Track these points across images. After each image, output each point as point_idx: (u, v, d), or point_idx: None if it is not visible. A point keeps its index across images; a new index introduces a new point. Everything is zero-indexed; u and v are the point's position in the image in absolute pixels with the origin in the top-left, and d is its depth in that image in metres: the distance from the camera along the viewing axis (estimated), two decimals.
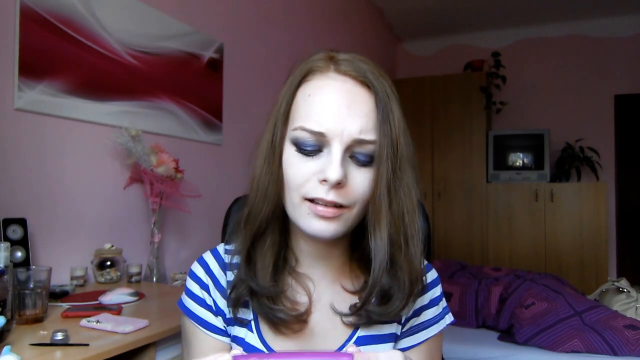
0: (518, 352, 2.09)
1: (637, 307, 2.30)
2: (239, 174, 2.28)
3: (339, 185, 0.55)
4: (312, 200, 0.56)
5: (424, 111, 4.21)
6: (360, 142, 0.56)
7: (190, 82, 2.08)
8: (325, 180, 0.55)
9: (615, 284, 2.49)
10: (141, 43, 1.82)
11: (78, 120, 1.57)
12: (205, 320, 0.66)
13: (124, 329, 1.02)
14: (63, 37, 1.51)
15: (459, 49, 4.68)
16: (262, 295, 0.60)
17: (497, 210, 3.95)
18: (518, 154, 3.98)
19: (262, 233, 0.62)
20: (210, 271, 0.67)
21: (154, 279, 1.69)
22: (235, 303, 0.63)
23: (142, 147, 1.67)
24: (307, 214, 0.57)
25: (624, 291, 2.40)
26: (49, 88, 1.46)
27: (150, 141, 1.77)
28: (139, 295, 1.36)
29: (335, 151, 0.55)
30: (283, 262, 0.64)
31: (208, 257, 0.69)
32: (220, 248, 0.69)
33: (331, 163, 0.55)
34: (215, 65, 2.23)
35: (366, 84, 0.58)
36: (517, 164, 3.97)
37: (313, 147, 0.56)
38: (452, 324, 0.70)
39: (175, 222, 1.97)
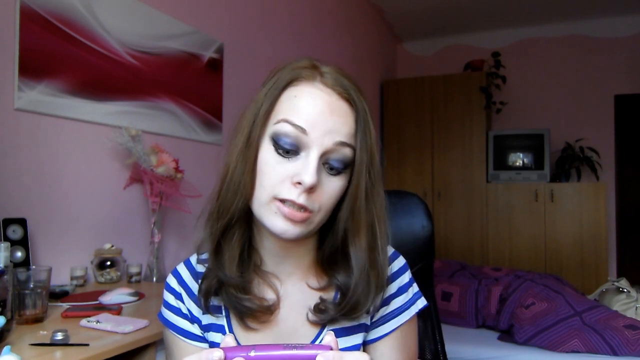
0: (518, 352, 2.09)
1: (637, 307, 2.30)
2: None
3: (311, 190, 0.57)
4: (281, 201, 0.58)
5: (424, 111, 4.21)
6: (340, 144, 0.58)
7: (190, 82, 2.08)
8: (299, 183, 0.56)
9: (615, 284, 2.49)
10: (141, 43, 1.82)
11: (78, 120, 1.57)
12: (183, 329, 0.68)
13: (124, 329, 1.02)
14: (63, 37, 1.51)
15: (459, 49, 4.68)
16: (230, 285, 0.62)
17: (497, 210, 3.95)
18: (518, 154, 3.98)
19: (231, 226, 0.64)
20: (183, 281, 0.69)
21: (154, 279, 1.69)
22: (206, 294, 0.64)
23: (142, 147, 1.67)
24: (275, 213, 0.58)
25: (624, 291, 2.40)
26: (49, 88, 1.46)
27: (150, 141, 1.77)
28: (139, 295, 1.36)
29: (313, 156, 0.57)
30: (248, 260, 0.66)
31: (181, 267, 0.71)
32: (193, 258, 0.71)
33: (308, 167, 0.56)
34: (215, 65, 2.23)
35: (349, 100, 0.61)
36: (517, 164, 3.98)
37: (291, 147, 0.58)
38: (425, 307, 0.70)
39: (175, 222, 1.97)
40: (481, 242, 3.98)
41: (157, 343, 1.08)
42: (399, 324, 0.67)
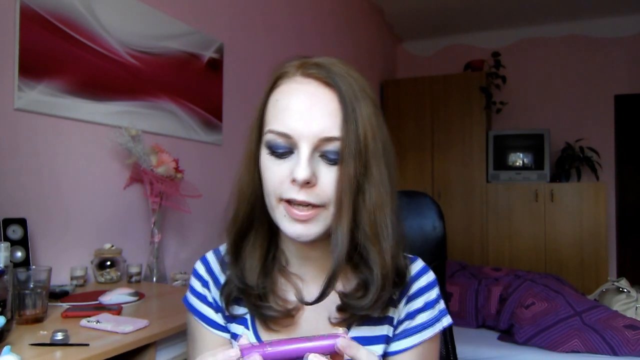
0: (518, 352, 2.09)
1: (637, 307, 2.30)
2: None
3: (308, 184, 0.57)
4: (288, 202, 0.58)
5: (424, 111, 4.21)
6: (326, 140, 0.57)
7: (190, 82, 2.08)
8: (295, 180, 0.57)
9: (615, 284, 2.49)
10: (141, 43, 1.82)
11: (78, 120, 1.57)
12: (207, 317, 0.69)
13: (124, 329, 1.02)
14: (63, 37, 1.51)
15: (459, 49, 4.68)
16: (250, 294, 0.63)
17: (497, 210, 3.95)
18: (518, 154, 3.98)
19: (246, 234, 0.65)
20: (211, 269, 0.71)
21: (154, 279, 1.69)
22: (227, 300, 0.66)
23: (142, 147, 1.67)
24: (284, 216, 0.59)
25: (624, 291, 2.40)
26: (49, 88, 1.46)
27: (150, 141, 1.77)
28: (139, 295, 1.36)
29: (303, 151, 0.57)
30: (272, 261, 0.67)
31: (210, 256, 0.72)
32: (222, 247, 0.72)
33: (299, 163, 0.57)
34: (215, 65, 2.23)
35: (330, 84, 0.59)
36: (517, 164, 3.98)
37: (284, 149, 0.59)
38: (450, 326, 0.68)
39: (175, 222, 1.97)
40: (481, 242, 3.98)
41: (157, 343, 1.08)
42: (421, 340, 0.65)
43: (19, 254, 1.31)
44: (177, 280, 1.72)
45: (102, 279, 1.55)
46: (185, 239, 2.04)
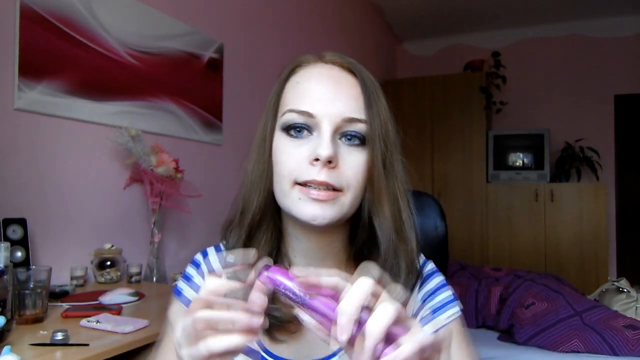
0: (518, 352, 2.09)
1: (637, 307, 2.30)
2: (239, 174, 2.27)
3: (330, 164, 0.55)
4: (304, 185, 0.56)
5: (424, 111, 4.21)
6: (349, 120, 0.57)
7: (190, 82, 2.08)
8: (316, 160, 0.54)
9: (615, 284, 2.49)
10: (141, 43, 1.82)
11: (78, 120, 1.57)
12: None
13: (124, 329, 1.02)
14: (63, 37, 1.51)
15: (459, 49, 4.68)
16: None
17: (497, 210, 3.94)
18: (518, 154, 3.98)
19: (257, 228, 0.62)
20: (211, 266, 0.68)
21: (154, 279, 1.69)
22: None
23: (142, 147, 1.66)
24: (299, 199, 0.56)
25: (624, 291, 2.40)
26: (49, 88, 1.46)
27: (150, 141, 1.77)
28: (139, 295, 1.36)
29: (325, 130, 0.55)
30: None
31: (211, 251, 0.70)
32: (222, 246, 0.69)
33: (322, 141, 0.55)
34: (215, 65, 2.23)
35: (352, 71, 0.60)
36: (517, 164, 3.98)
37: (303, 128, 0.57)
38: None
39: (175, 222, 1.97)
40: (481, 242, 3.98)
41: (157, 343, 1.08)
42: (450, 317, 0.64)
43: (19, 254, 1.31)
44: (177, 280, 1.71)
45: (102, 279, 1.55)
46: (185, 239, 2.04)
